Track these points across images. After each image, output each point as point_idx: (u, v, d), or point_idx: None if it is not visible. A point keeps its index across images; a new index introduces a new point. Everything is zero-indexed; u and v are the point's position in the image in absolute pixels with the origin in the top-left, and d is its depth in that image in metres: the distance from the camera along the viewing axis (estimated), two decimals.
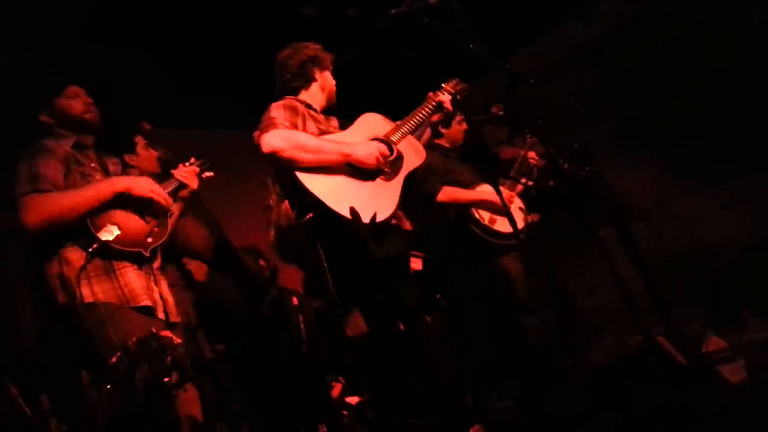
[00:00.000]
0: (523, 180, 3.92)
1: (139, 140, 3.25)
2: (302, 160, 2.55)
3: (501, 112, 3.65)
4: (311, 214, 2.41)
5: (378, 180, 2.69)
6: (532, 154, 3.97)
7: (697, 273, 4.19)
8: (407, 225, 2.86)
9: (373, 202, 2.48)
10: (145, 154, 3.25)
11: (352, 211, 2.20)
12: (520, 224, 3.86)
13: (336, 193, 2.50)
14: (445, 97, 3.06)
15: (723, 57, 4.21)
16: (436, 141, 3.82)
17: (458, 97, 3.12)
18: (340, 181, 2.60)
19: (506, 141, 4.14)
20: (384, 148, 2.75)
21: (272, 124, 2.67)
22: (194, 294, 2.62)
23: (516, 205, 3.90)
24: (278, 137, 2.59)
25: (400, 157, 2.81)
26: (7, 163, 2.55)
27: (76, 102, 2.70)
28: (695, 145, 4.36)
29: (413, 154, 2.89)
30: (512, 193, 3.88)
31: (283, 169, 2.58)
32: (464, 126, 4.02)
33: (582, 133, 3.95)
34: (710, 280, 4.06)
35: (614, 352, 3.75)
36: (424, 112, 3.01)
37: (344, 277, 2.36)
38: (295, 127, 2.72)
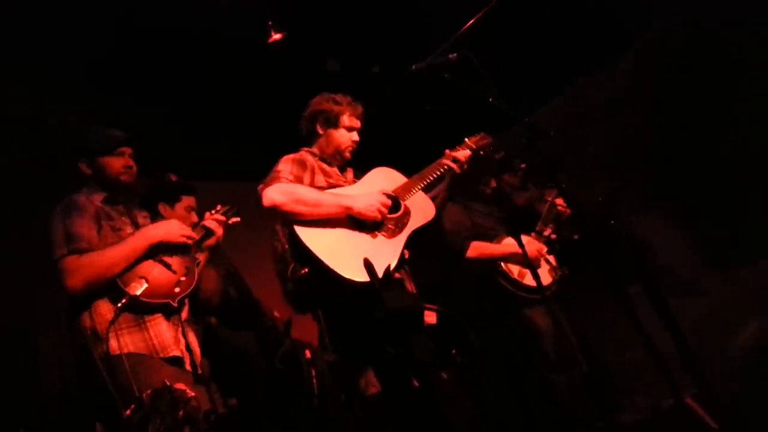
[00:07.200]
0: (546, 233, 3.83)
1: (187, 201, 3.24)
2: (301, 213, 2.54)
3: (524, 165, 3.61)
4: (306, 269, 2.39)
5: (379, 236, 2.64)
6: (560, 201, 3.82)
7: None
8: (410, 287, 2.78)
9: (373, 259, 2.39)
10: (185, 215, 3.19)
11: (366, 262, 2.16)
12: (548, 277, 3.78)
13: (334, 249, 2.47)
14: (462, 154, 2.97)
15: (756, 97, 4.05)
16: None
17: (481, 152, 3.04)
18: (340, 235, 2.56)
19: (520, 187, 4.06)
20: (386, 200, 2.70)
21: (275, 178, 2.68)
22: (209, 346, 2.61)
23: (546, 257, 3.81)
24: (278, 191, 2.60)
25: (406, 214, 2.75)
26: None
27: (117, 161, 2.69)
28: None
29: (421, 213, 2.81)
30: (541, 245, 3.78)
31: (285, 222, 2.58)
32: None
33: (611, 185, 3.86)
34: None
35: (643, 415, 3.58)
36: (438, 170, 2.93)
37: (355, 331, 2.31)
38: (299, 180, 2.72)
